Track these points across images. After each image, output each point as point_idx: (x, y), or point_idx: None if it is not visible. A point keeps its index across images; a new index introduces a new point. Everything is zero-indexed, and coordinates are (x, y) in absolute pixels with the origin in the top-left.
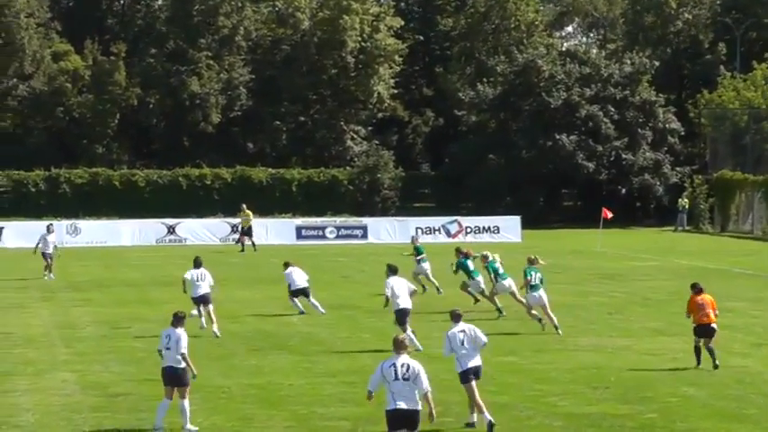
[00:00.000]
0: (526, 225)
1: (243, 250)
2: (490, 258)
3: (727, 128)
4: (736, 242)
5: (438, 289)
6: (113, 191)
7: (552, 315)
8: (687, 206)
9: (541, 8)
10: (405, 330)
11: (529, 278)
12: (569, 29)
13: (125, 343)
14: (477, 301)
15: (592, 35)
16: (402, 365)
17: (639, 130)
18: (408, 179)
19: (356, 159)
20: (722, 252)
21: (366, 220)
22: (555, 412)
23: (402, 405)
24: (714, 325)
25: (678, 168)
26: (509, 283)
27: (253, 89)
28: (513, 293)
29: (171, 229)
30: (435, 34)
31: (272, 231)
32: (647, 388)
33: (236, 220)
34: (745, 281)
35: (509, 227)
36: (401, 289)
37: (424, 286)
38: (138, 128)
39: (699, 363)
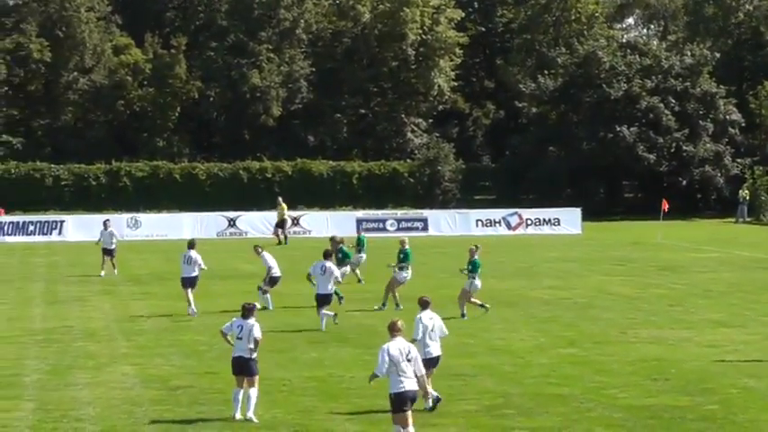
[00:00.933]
0: (587, 217)
1: (280, 243)
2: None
3: None
4: None
5: (360, 280)
6: (174, 184)
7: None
8: (748, 197)
9: (602, 0)
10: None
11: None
12: (630, 20)
13: (185, 336)
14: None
15: (652, 27)
16: (404, 347)
17: (700, 121)
18: (469, 171)
19: (417, 152)
20: None
21: (426, 213)
22: (615, 404)
23: (409, 386)
24: None
25: (739, 160)
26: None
27: (313, 82)
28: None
29: (231, 222)
30: (496, 26)
31: (333, 223)
32: (707, 380)
33: (298, 213)
34: None
35: (570, 219)
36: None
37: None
38: (198, 121)
39: None
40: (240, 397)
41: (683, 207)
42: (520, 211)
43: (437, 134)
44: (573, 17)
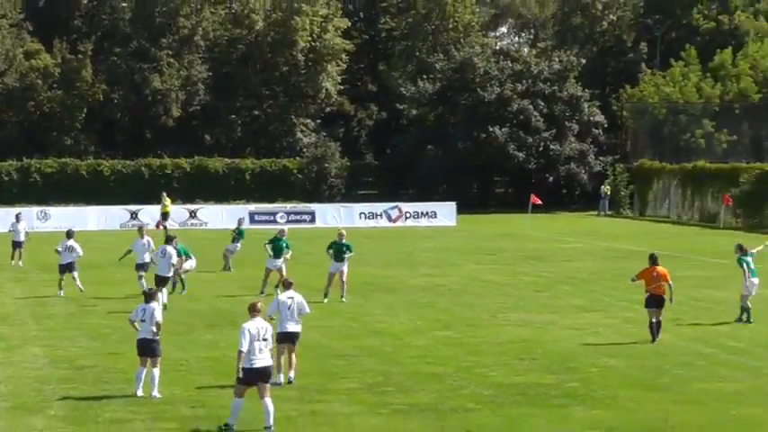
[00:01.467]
0: (461, 210)
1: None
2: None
3: (647, 120)
4: (654, 225)
5: (229, 268)
6: (81, 179)
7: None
8: (609, 192)
9: (477, 10)
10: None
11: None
12: (503, 29)
13: (91, 320)
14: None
15: (523, 35)
16: (261, 327)
17: (566, 122)
18: (353, 168)
19: (305, 150)
20: (641, 235)
21: (314, 206)
22: (486, 382)
23: (260, 363)
24: (665, 296)
25: (601, 158)
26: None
27: (210, 85)
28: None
29: (133, 215)
30: (379, 34)
31: (227, 216)
32: (570, 359)
33: (195, 206)
34: (662, 262)
35: (445, 212)
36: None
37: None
38: (103, 121)
39: (655, 338)
40: (143, 376)
41: (550, 201)
42: (400, 204)
43: (324, 134)
44: (450, 26)
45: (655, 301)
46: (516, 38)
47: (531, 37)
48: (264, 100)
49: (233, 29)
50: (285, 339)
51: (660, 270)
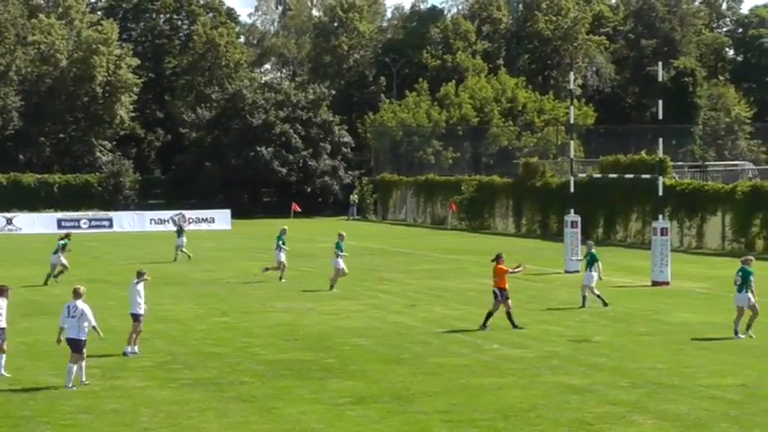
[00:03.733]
0: (235, 216)
1: None
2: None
3: (387, 141)
4: (394, 228)
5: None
6: None
7: None
8: (357, 200)
9: (246, 50)
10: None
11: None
12: (267, 66)
13: None
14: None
15: (284, 70)
16: (73, 306)
17: (321, 143)
18: (144, 182)
19: (104, 167)
20: (384, 235)
21: (112, 214)
22: (258, 359)
23: (71, 334)
24: (507, 290)
25: (350, 172)
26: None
27: (23, 113)
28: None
29: None
30: (164, 70)
31: (39, 223)
32: (327, 339)
33: (11, 215)
34: (401, 257)
35: (222, 218)
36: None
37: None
38: None
39: (485, 326)
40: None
41: (309, 208)
42: (184, 212)
43: (119, 153)
44: (224, 63)
45: (502, 294)
46: (278, 73)
47: (291, 72)
48: (69, 125)
49: (41, 65)
50: (137, 319)
51: (504, 267)
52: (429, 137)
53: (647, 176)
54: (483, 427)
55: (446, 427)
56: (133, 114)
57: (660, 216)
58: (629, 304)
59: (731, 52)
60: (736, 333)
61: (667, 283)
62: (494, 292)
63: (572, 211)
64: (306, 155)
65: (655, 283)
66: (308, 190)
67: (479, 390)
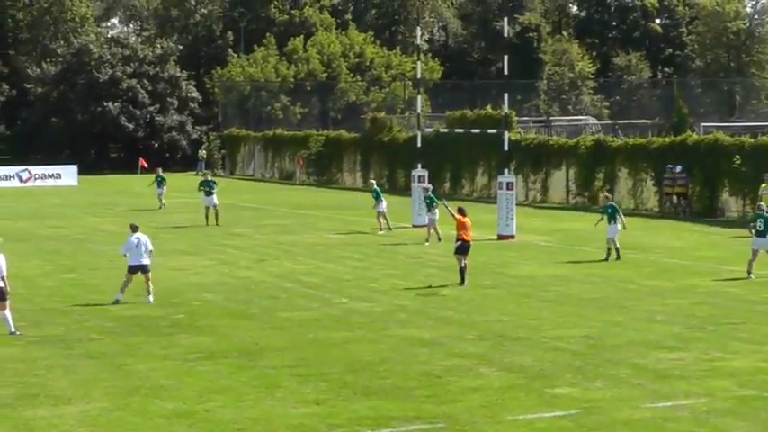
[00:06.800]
0: (82, 172)
1: None
2: None
3: (235, 96)
4: (243, 183)
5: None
6: None
7: None
8: (205, 156)
9: (92, 3)
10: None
11: None
12: (115, 20)
13: None
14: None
15: (132, 25)
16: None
17: (168, 98)
18: None
19: None
20: (233, 191)
21: None
22: (107, 316)
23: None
24: (471, 242)
25: (198, 127)
26: None
27: None
28: None
29: None
30: (8, 24)
31: None
32: (176, 295)
33: None
34: (249, 212)
35: (68, 174)
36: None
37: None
38: None
39: (463, 282)
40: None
41: (157, 164)
42: (29, 167)
43: None
44: (69, 17)
45: (464, 248)
46: (125, 27)
47: (138, 27)
48: None
49: None
50: (134, 270)
51: (468, 221)
52: (277, 92)
53: (493, 131)
54: (332, 381)
55: (295, 381)
56: None
57: (506, 170)
58: (476, 258)
59: (575, 8)
60: (748, 273)
61: (513, 237)
62: (462, 246)
63: (419, 165)
64: (153, 110)
65: (500, 237)
66: (156, 145)
67: (328, 344)
